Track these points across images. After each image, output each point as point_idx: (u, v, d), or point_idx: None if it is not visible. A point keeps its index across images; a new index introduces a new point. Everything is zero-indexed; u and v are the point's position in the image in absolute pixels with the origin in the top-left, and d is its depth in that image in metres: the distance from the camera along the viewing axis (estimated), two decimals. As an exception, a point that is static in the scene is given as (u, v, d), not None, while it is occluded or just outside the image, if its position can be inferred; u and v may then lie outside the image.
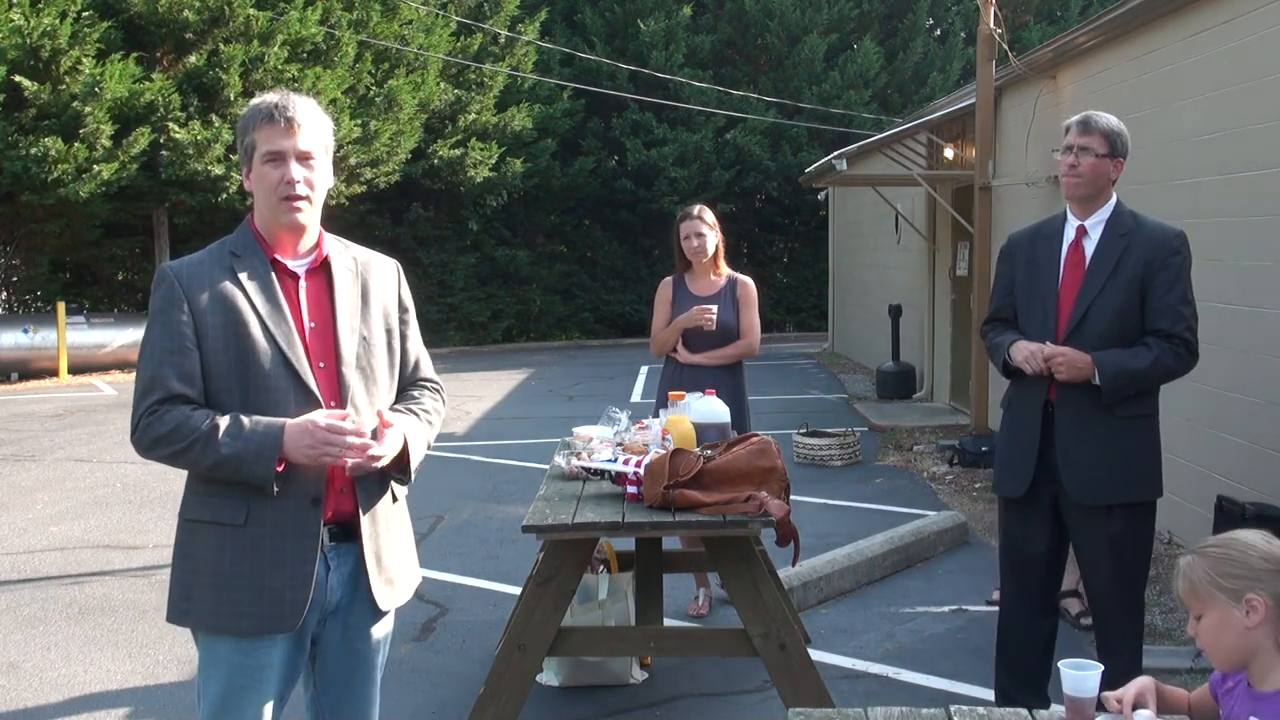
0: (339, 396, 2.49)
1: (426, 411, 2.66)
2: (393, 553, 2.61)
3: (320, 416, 2.37)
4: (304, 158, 2.46)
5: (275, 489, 2.37)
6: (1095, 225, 3.67)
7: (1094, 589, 3.71)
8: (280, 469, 2.36)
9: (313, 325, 2.50)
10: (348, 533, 2.53)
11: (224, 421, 2.35)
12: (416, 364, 2.73)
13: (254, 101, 2.51)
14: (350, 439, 2.36)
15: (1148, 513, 3.69)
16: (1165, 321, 3.55)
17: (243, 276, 2.45)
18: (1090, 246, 3.66)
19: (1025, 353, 3.59)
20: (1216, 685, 2.30)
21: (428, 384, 2.75)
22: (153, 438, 2.38)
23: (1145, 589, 3.81)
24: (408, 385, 2.70)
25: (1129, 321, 3.58)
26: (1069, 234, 3.72)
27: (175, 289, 2.42)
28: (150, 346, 2.43)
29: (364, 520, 2.53)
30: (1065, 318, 3.63)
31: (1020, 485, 3.71)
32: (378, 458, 2.43)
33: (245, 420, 2.36)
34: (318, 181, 2.49)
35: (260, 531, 2.42)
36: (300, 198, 2.45)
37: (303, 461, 2.36)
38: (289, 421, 2.36)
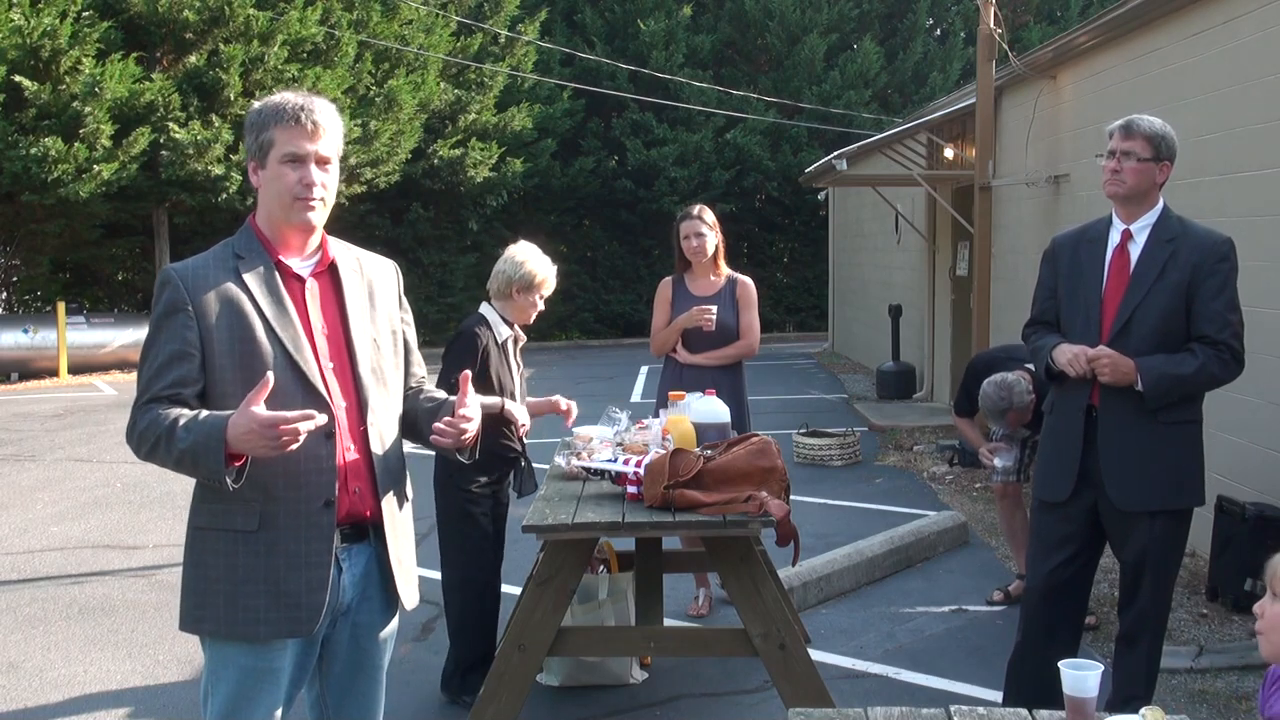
0: (354, 399, 2.49)
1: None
2: (408, 551, 2.64)
3: (258, 410, 2.24)
4: (323, 162, 2.46)
5: (233, 485, 2.30)
6: (1141, 230, 3.61)
7: (1128, 588, 3.68)
8: (241, 464, 2.30)
9: (323, 328, 2.49)
10: (359, 533, 2.53)
11: (185, 417, 2.33)
12: (419, 364, 2.76)
13: (273, 99, 2.47)
14: (298, 423, 2.25)
15: (1187, 517, 3.65)
16: (1211, 328, 3.50)
17: (248, 279, 2.43)
18: (1136, 251, 3.60)
19: (1069, 355, 3.54)
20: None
21: (423, 380, 2.78)
22: (136, 436, 2.38)
23: (1174, 587, 3.79)
24: (413, 385, 2.71)
25: (1174, 327, 3.53)
26: (1114, 238, 3.65)
27: (180, 292, 2.39)
28: (153, 350, 2.40)
29: (386, 520, 2.54)
30: (1109, 322, 3.58)
31: (1063, 490, 3.66)
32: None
33: (201, 414, 2.33)
34: (331, 186, 2.50)
35: (274, 536, 2.40)
36: (316, 200, 2.45)
37: (261, 453, 2.27)
38: (232, 416, 2.28)
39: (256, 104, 2.50)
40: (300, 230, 2.49)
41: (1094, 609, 5.11)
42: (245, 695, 2.45)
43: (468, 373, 2.58)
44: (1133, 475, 3.54)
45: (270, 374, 2.30)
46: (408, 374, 2.70)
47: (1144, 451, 3.54)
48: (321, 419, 2.29)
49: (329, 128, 2.46)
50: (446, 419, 2.51)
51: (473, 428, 2.52)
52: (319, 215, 2.48)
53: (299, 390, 2.41)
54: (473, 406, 2.53)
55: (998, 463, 5.38)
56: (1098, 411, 3.59)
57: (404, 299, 2.72)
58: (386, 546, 2.55)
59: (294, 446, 2.27)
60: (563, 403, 4.50)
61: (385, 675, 2.70)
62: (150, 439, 2.34)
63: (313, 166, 2.44)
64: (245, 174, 2.58)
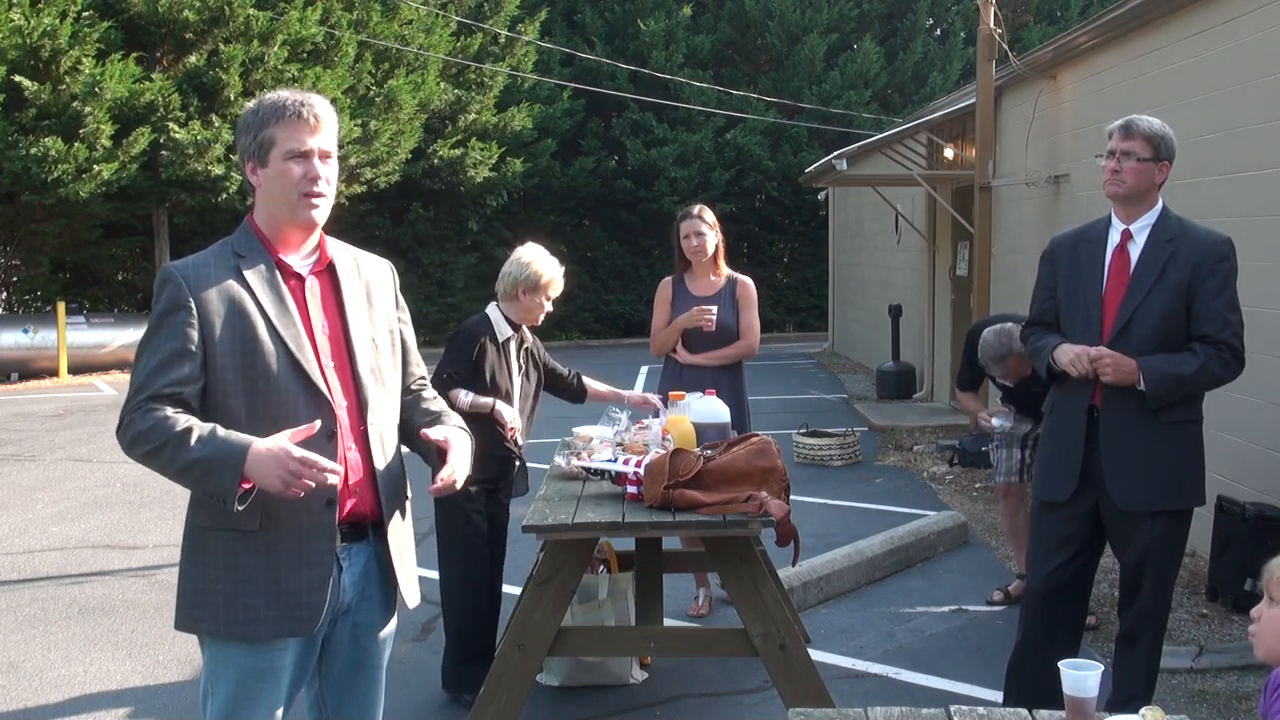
0: (354, 398, 2.49)
1: (455, 420, 2.69)
2: (408, 549, 2.65)
3: (292, 445, 2.26)
4: (325, 156, 2.47)
5: (239, 507, 2.28)
6: (1141, 230, 3.62)
7: (1128, 588, 3.68)
8: (249, 486, 2.28)
9: (324, 327, 2.49)
10: (359, 532, 2.53)
11: (199, 428, 2.30)
12: (418, 363, 2.77)
13: (268, 97, 2.47)
14: (326, 475, 2.27)
15: (1187, 517, 3.66)
16: (1212, 328, 3.50)
17: (249, 277, 2.43)
18: (1135, 251, 3.60)
19: (1071, 355, 3.54)
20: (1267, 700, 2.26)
21: (424, 381, 2.79)
22: (132, 434, 2.33)
23: (1174, 587, 3.79)
24: (411, 384, 2.72)
25: (1174, 327, 3.53)
26: (1114, 238, 3.66)
27: (182, 290, 2.38)
28: (152, 346, 2.38)
29: (386, 519, 2.55)
30: (1110, 323, 3.58)
31: (1064, 490, 3.66)
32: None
33: (220, 430, 2.31)
34: (333, 180, 2.51)
35: (275, 535, 2.39)
36: (321, 194, 2.45)
37: (270, 487, 2.26)
38: (256, 441, 2.27)
39: (250, 105, 2.50)
40: (304, 227, 2.49)
41: (1094, 609, 5.11)
42: (245, 695, 2.44)
43: (448, 440, 2.57)
44: (1135, 475, 3.54)
45: (318, 422, 2.33)
46: (406, 373, 2.70)
47: (1146, 451, 3.54)
48: (335, 478, 2.32)
49: (328, 122, 2.47)
50: (437, 486, 2.51)
51: (461, 478, 2.54)
52: (323, 211, 2.48)
53: (300, 389, 2.41)
54: (459, 466, 2.53)
55: (996, 422, 5.34)
56: (1099, 411, 3.59)
57: (400, 298, 2.72)
58: (387, 545, 2.56)
59: (301, 494, 2.28)
60: (650, 398, 4.73)
61: (384, 674, 2.70)
62: (154, 441, 2.30)
63: (317, 160, 2.44)
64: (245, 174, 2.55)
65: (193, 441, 2.28)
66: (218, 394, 2.39)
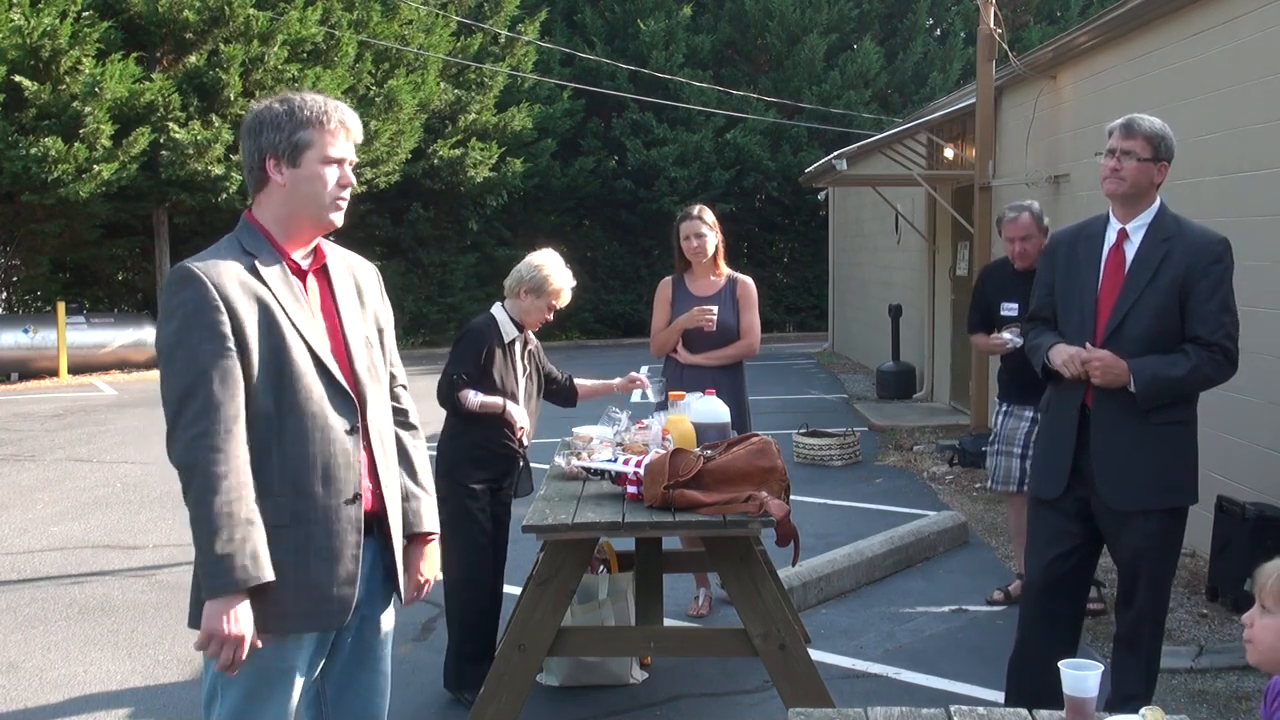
0: (356, 395, 2.51)
1: (426, 471, 2.78)
2: (402, 546, 2.67)
3: (248, 644, 2.31)
4: (352, 164, 2.54)
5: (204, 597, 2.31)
6: (1137, 229, 3.62)
7: (1125, 588, 3.69)
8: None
9: (323, 325, 2.51)
10: (366, 528, 2.55)
11: (240, 526, 2.27)
12: (396, 364, 2.78)
13: (304, 99, 2.47)
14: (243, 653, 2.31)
15: (1181, 517, 3.66)
16: (1205, 329, 3.50)
17: (266, 275, 2.43)
18: (1131, 250, 3.61)
19: (1064, 356, 3.56)
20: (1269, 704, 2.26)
21: (403, 387, 2.80)
22: (203, 470, 2.27)
23: (1171, 586, 3.80)
24: (391, 388, 2.73)
25: (1168, 327, 3.53)
26: (1110, 236, 3.66)
27: (208, 289, 2.33)
28: (189, 350, 2.31)
29: (391, 518, 2.57)
30: (1104, 321, 3.59)
31: (1055, 487, 3.67)
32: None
33: (250, 542, 2.28)
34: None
35: (305, 531, 2.40)
36: (346, 200, 2.52)
37: (205, 630, 2.29)
38: (239, 592, 2.28)
39: (274, 103, 2.48)
40: (324, 229, 2.53)
41: (1104, 596, 5.11)
42: (259, 695, 2.44)
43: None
44: (1124, 474, 3.55)
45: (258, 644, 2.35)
46: (390, 374, 2.73)
47: (1136, 451, 3.55)
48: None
49: (358, 133, 2.54)
50: (411, 591, 2.71)
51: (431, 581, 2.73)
52: (343, 216, 2.53)
53: (327, 385, 2.43)
54: (428, 569, 2.73)
55: (1007, 336, 5.29)
56: (1091, 411, 3.60)
57: (385, 300, 2.74)
58: (390, 541, 2.58)
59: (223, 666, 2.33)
60: (636, 376, 4.71)
61: (389, 667, 2.71)
62: (211, 491, 2.26)
63: (348, 168, 2.51)
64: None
65: (222, 530, 2.26)
66: (246, 391, 2.36)
